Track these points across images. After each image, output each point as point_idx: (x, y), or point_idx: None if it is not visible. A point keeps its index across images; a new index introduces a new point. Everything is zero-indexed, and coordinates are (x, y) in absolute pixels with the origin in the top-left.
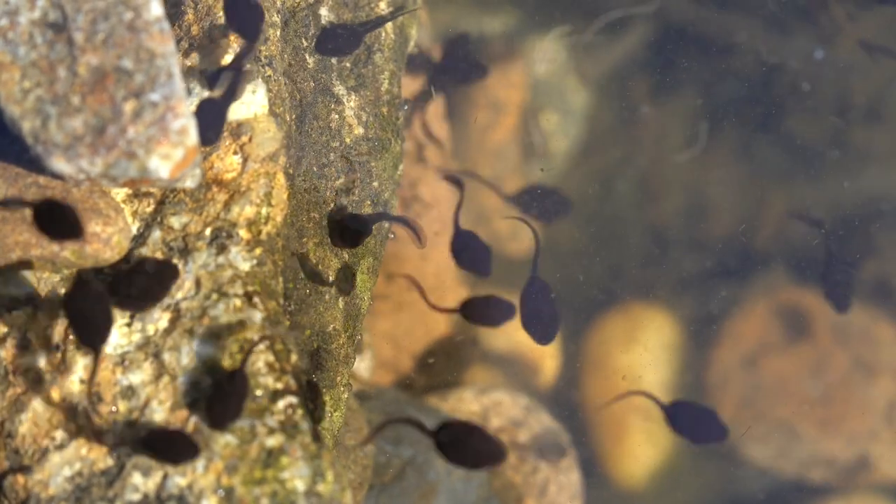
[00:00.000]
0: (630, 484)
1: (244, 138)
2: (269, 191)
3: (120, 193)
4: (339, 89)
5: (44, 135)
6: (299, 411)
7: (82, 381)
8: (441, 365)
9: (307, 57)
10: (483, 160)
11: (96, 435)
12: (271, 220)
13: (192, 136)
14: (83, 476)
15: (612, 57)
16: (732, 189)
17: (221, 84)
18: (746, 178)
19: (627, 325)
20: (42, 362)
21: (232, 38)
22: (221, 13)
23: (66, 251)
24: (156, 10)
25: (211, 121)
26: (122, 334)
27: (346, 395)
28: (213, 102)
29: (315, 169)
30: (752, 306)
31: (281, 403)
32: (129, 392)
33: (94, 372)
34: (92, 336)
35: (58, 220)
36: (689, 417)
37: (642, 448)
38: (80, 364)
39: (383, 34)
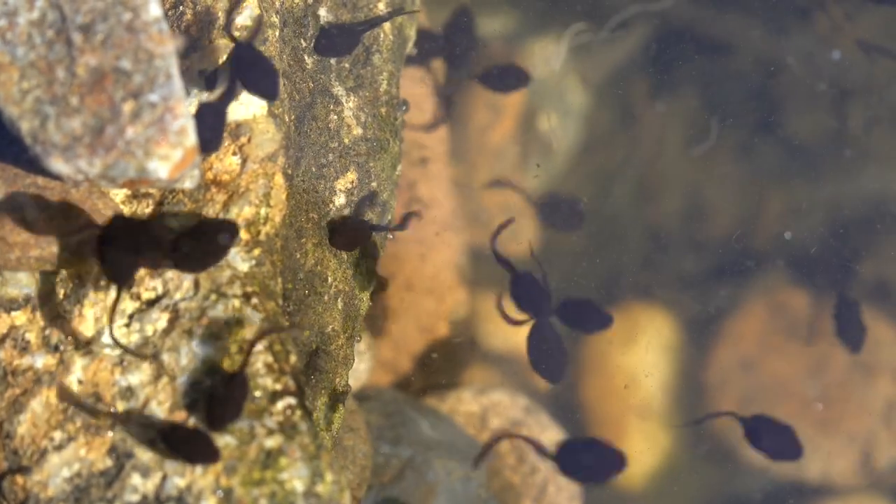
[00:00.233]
0: (629, 484)
1: (243, 139)
2: (268, 191)
3: (119, 194)
4: (338, 90)
5: (42, 135)
6: (298, 412)
7: (81, 382)
8: (440, 365)
9: (306, 58)
10: (482, 161)
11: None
12: (270, 221)
13: (191, 137)
14: (82, 477)
15: (612, 58)
16: (732, 189)
17: (218, 88)
18: (746, 178)
19: (627, 325)
20: (41, 363)
21: (231, 37)
22: (220, 14)
23: (65, 252)
24: (154, 10)
25: (211, 126)
26: (121, 335)
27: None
28: (211, 107)
29: (314, 169)
30: (751, 306)
31: (280, 404)
32: (128, 393)
33: (116, 302)
34: (118, 274)
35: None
36: (767, 433)
37: (641, 449)
38: (79, 364)
39: (382, 35)
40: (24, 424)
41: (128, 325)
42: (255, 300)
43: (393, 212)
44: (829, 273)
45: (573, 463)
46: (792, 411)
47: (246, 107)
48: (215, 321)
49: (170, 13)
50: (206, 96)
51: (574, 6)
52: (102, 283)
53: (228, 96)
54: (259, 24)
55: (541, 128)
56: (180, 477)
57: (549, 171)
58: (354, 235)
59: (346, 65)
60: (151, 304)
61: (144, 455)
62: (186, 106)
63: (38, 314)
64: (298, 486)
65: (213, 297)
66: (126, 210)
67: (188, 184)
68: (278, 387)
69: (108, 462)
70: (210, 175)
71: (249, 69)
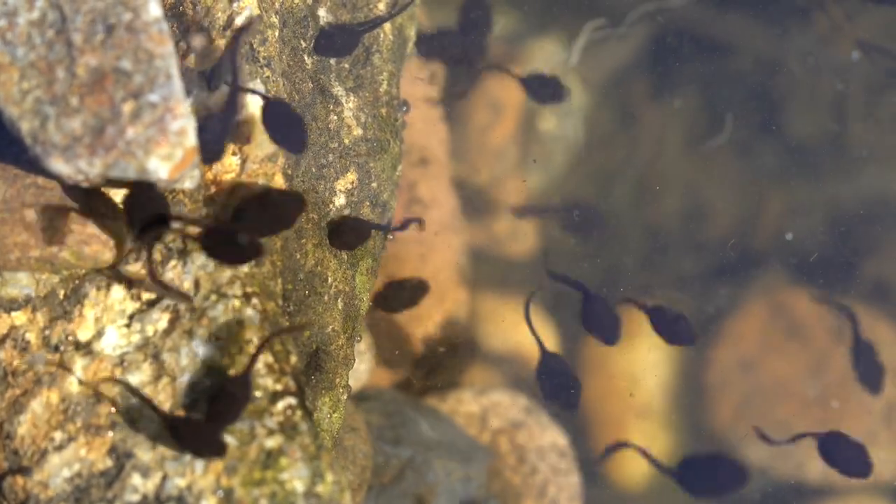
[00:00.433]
0: (629, 485)
1: (244, 134)
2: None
3: (119, 195)
4: (338, 90)
5: (42, 135)
6: (298, 412)
7: (81, 383)
8: (440, 366)
9: (305, 58)
10: (482, 161)
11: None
12: None
13: (191, 137)
14: (82, 477)
15: (612, 58)
16: (732, 190)
17: (221, 101)
18: (746, 178)
19: (626, 325)
20: (41, 363)
21: (230, 38)
22: (220, 14)
23: (65, 252)
24: (154, 10)
25: (214, 137)
26: (121, 335)
27: (345, 397)
28: (215, 119)
29: (314, 170)
30: (750, 307)
31: (280, 405)
32: (129, 392)
33: (150, 261)
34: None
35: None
36: (840, 449)
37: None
38: (79, 365)
39: (382, 35)
40: (25, 425)
41: (128, 326)
42: (255, 300)
43: (393, 212)
44: (829, 273)
45: (694, 478)
46: (792, 412)
47: (246, 107)
48: (215, 321)
49: (169, 13)
50: (205, 96)
51: (574, 7)
52: (102, 283)
53: (232, 109)
54: (250, 23)
55: (541, 128)
56: (181, 477)
57: (548, 171)
58: (354, 235)
59: (346, 65)
60: (152, 304)
61: (145, 455)
62: (187, 106)
63: (38, 314)
64: (299, 486)
65: (214, 297)
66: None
67: (188, 184)
68: (279, 387)
69: (109, 462)
70: (210, 175)
71: (279, 124)
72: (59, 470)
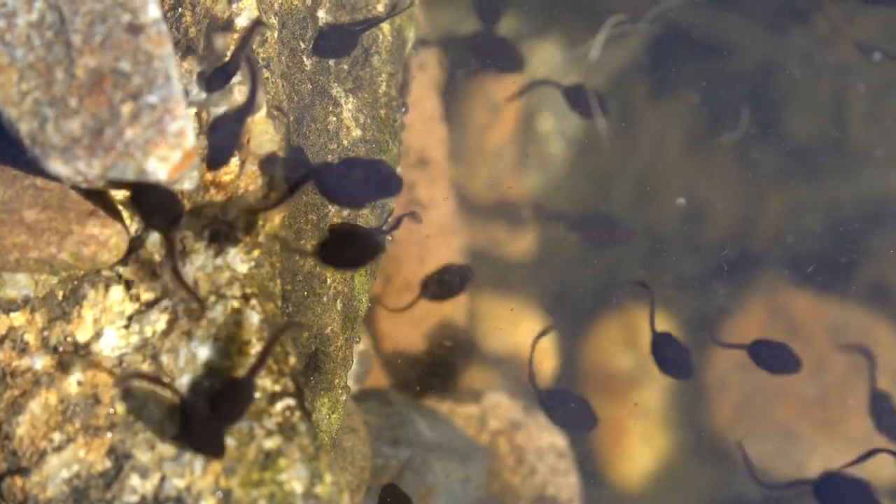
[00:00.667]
0: (628, 485)
1: (242, 140)
2: (268, 193)
3: (118, 195)
4: (337, 91)
5: (41, 137)
6: (297, 413)
7: (79, 384)
8: (439, 366)
9: (304, 59)
10: (481, 161)
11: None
12: (269, 222)
13: (190, 139)
14: (81, 478)
15: (612, 58)
16: (731, 190)
17: (235, 105)
18: (745, 179)
19: (625, 326)
20: (40, 364)
21: (230, 39)
22: (219, 15)
23: (64, 253)
24: (153, 12)
25: (223, 142)
26: (119, 336)
27: (344, 398)
28: (225, 121)
29: None
30: (750, 307)
31: (279, 405)
32: (128, 394)
33: (172, 250)
34: (162, 222)
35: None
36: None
37: (640, 450)
38: (78, 365)
39: (381, 36)
40: (23, 426)
41: (127, 327)
42: (254, 301)
43: (392, 213)
44: (828, 273)
45: (833, 496)
46: (791, 412)
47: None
48: (214, 322)
49: (168, 14)
50: (204, 97)
51: (574, 8)
52: (101, 284)
53: (244, 113)
54: (255, 27)
55: (540, 129)
56: (179, 478)
57: (547, 172)
58: (356, 253)
59: (345, 66)
60: (150, 305)
61: (143, 456)
62: (185, 107)
63: (36, 315)
64: (297, 487)
65: (213, 298)
66: (125, 212)
67: (187, 185)
68: (277, 388)
69: (107, 463)
70: (209, 176)
71: (338, 191)
72: (57, 471)
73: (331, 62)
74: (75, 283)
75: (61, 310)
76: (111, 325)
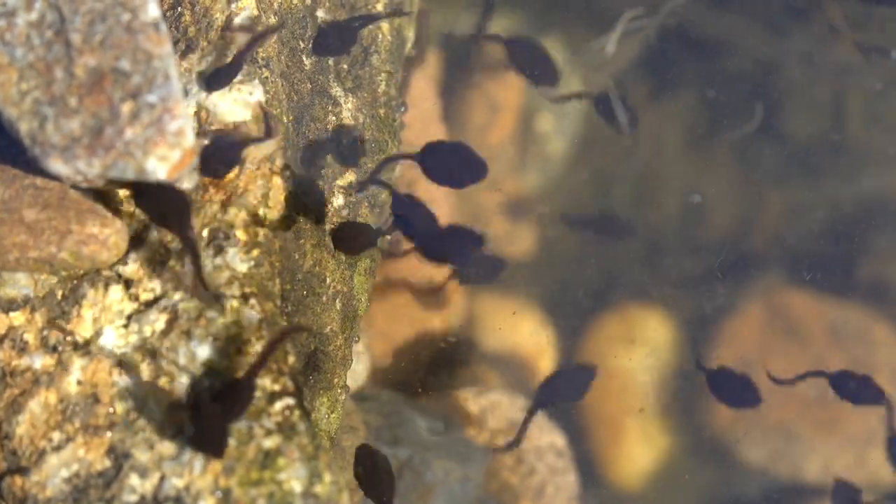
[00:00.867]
0: (627, 485)
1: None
2: (266, 192)
3: (117, 194)
4: (337, 91)
5: (41, 136)
6: (296, 413)
7: (79, 383)
8: (438, 366)
9: (304, 58)
10: None
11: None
12: (268, 222)
13: (189, 138)
14: (80, 477)
15: (611, 58)
16: (730, 190)
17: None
18: (744, 179)
19: (624, 326)
20: (39, 364)
21: (229, 38)
22: (218, 14)
23: (64, 253)
24: (153, 11)
25: (230, 146)
26: (119, 335)
27: (343, 397)
28: (227, 140)
29: (312, 170)
30: (749, 307)
31: (278, 405)
32: (127, 393)
33: (192, 244)
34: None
35: None
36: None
37: (639, 450)
38: (78, 365)
39: (380, 36)
40: (23, 425)
41: (126, 326)
42: (253, 301)
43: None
44: (827, 273)
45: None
46: (791, 412)
47: (244, 108)
48: (213, 322)
49: (168, 14)
50: (204, 97)
51: (573, 8)
52: (100, 283)
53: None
54: (268, 30)
55: (539, 129)
56: (178, 477)
57: (547, 171)
58: (355, 240)
59: (345, 66)
60: (150, 304)
61: (143, 456)
62: (185, 107)
63: (36, 315)
64: (297, 486)
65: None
66: (124, 210)
67: (186, 184)
68: (277, 387)
69: (107, 462)
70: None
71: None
72: (57, 470)
73: (330, 61)
74: (75, 282)
75: (61, 309)
76: (110, 324)
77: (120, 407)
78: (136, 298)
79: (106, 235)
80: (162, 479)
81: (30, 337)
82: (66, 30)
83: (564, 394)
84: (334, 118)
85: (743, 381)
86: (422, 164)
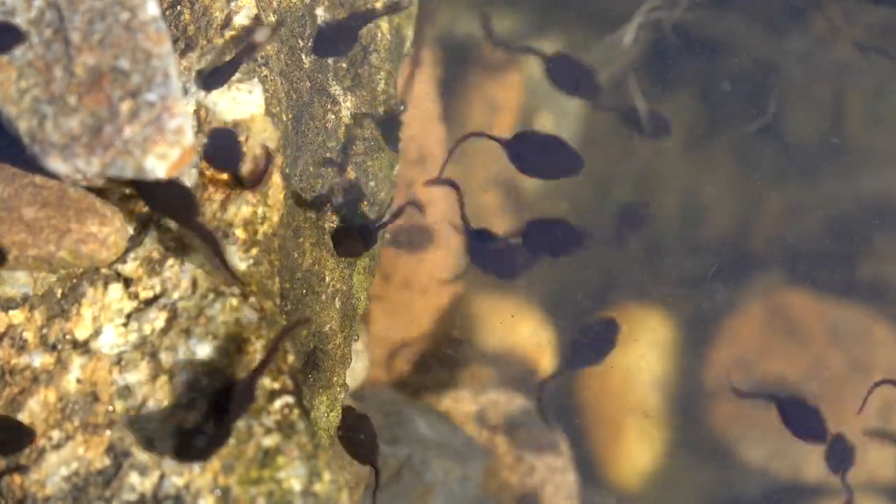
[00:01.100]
0: (626, 484)
1: (241, 138)
2: (266, 191)
3: (116, 193)
4: (336, 89)
5: (40, 135)
6: (296, 411)
7: (79, 381)
8: (437, 364)
9: (303, 57)
10: (480, 160)
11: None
12: (268, 220)
13: (189, 136)
14: (80, 476)
15: (610, 58)
16: (730, 190)
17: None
18: (744, 178)
19: (624, 325)
20: (38, 362)
21: (228, 37)
22: (218, 13)
23: (63, 251)
24: (152, 10)
25: (226, 147)
26: (118, 334)
27: (342, 396)
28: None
29: (311, 169)
30: (749, 307)
31: (277, 403)
32: (126, 392)
33: (209, 234)
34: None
35: None
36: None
37: (638, 449)
38: (77, 364)
39: (379, 35)
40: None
41: (125, 325)
42: (252, 299)
43: (390, 211)
44: (827, 273)
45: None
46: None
47: (244, 106)
48: (213, 320)
49: (167, 13)
50: (203, 95)
51: (572, 8)
52: (100, 282)
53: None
54: (257, 23)
55: (538, 128)
56: (178, 476)
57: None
58: (355, 241)
59: (344, 64)
60: (149, 303)
61: (142, 454)
62: (184, 105)
63: (35, 313)
64: (296, 485)
65: (211, 296)
66: (123, 209)
67: (186, 182)
68: (276, 386)
69: (106, 461)
70: (208, 174)
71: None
72: (56, 468)
73: (329, 60)
74: (74, 280)
75: (60, 307)
76: (110, 322)
77: (119, 405)
78: (136, 297)
79: (105, 234)
80: (162, 477)
81: (29, 335)
82: (66, 28)
83: (591, 354)
84: (333, 116)
85: (813, 413)
86: (509, 151)
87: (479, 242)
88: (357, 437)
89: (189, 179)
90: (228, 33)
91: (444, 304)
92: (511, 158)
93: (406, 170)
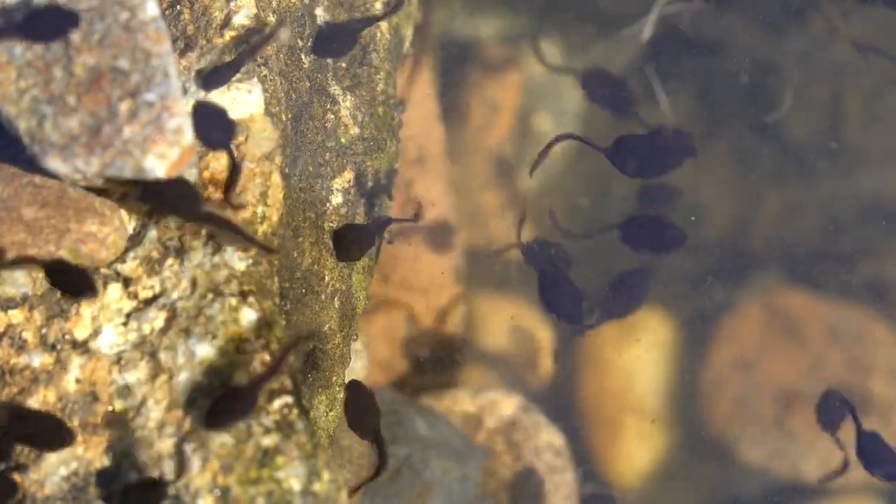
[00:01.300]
0: (626, 484)
1: (240, 138)
2: (265, 190)
3: (116, 192)
4: (335, 89)
5: (40, 134)
6: (295, 411)
7: (78, 381)
8: (436, 365)
9: (303, 57)
10: (479, 160)
11: None
12: (267, 220)
13: (188, 136)
14: (79, 476)
15: (610, 58)
16: (729, 190)
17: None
18: (743, 179)
19: (623, 325)
20: (38, 362)
21: (227, 37)
22: (217, 13)
23: (62, 251)
24: (152, 10)
25: (216, 123)
26: (118, 333)
27: (341, 395)
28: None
29: (311, 168)
30: (748, 307)
31: (277, 403)
32: (126, 391)
33: (219, 218)
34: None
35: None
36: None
37: (637, 448)
38: (76, 363)
39: (379, 35)
40: None
41: (125, 324)
42: (251, 299)
43: (390, 211)
44: (826, 273)
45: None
46: (788, 412)
47: (243, 106)
48: (212, 320)
49: (167, 12)
50: (202, 95)
51: (571, 8)
52: (99, 282)
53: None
54: (272, 33)
55: (537, 129)
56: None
57: (545, 171)
58: (357, 245)
59: (343, 64)
60: (149, 302)
61: (142, 454)
62: (183, 105)
63: (35, 313)
64: (295, 484)
65: (210, 296)
66: (123, 209)
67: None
68: (275, 385)
69: (106, 461)
70: (207, 174)
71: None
72: (55, 468)
73: (329, 60)
74: None
75: (59, 307)
76: (109, 322)
77: (119, 405)
78: (135, 297)
79: (104, 234)
80: (161, 477)
81: (28, 335)
82: None
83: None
84: (333, 116)
85: (889, 451)
86: (611, 159)
87: (535, 255)
88: (363, 415)
89: (189, 179)
90: (228, 33)
91: (444, 304)
92: (614, 164)
93: (405, 169)
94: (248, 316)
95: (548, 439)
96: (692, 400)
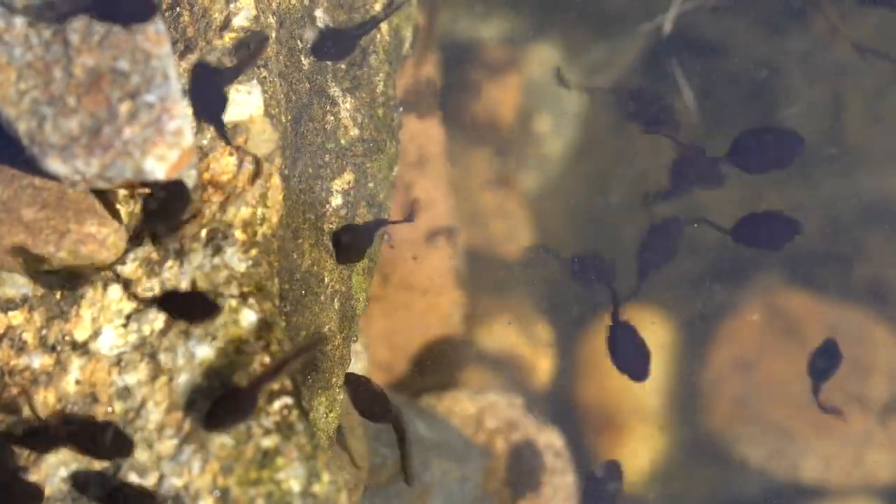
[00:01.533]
0: (625, 485)
1: (240, 139)
2: (265, 192)
3: (116, 194)
4: (335, 91)
5: (39, 136)
6: (295, 412)
7: (78, 382)
8: (436, 366)
9: (302, 58)
10: (479, 162)
11: None
12: (267, 222)
13: (188, 137)
14: (79, 476)
15: (609, 59)
16: (729, 190)
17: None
18: (743, 178)
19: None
20: (38, 363)
21: (227, 39)
22: (217, 14)
23: (62, 252)
24: None
25: (210, 93)
26: (118, 335)
27: (341, 396)
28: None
29: (310, 170)
30: (748, 307)
31: (277, 404)
32: (126, 393)
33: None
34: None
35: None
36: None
37: (637, 449)
38: (76, 364)
39: (378, 36)
40: None
41: (125, 326)
42: (251, 300)
43: (390, 213)
44: (826, 273)
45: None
46: (788, 412)
47: (243, 107)
48: (212, 321)
49: (166, 14)
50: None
51: (571, 9)
52: (99, 283)
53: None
54: (258, 25)
55: (537, 130)
56: (177, 477)
57: (545, 172)
58: (355, 248)
59: (343, 66)
60: (149, 304)
61: (142, 455)
62: (184, 106)
63: (35, 314)
64: (295, 486)
65: (210, 297)
66: (123, 210)
67: (186, 183)
68: (275, 386)
69: (106, 462)
70: (207, 175)
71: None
72: (55, 469)
73: (328, 62)
74: (74, 281)
75: (59, 309)
76: (109, 323)
77: (118, 406)
78: (135, 298)
79: (104, 235)
80: (161, 478)
81: (28, 336)
82: (65, 29)
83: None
84: (332, 118)
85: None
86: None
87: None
88: (369, 401)
89: (188, 181)
90: (227, 35)
91: (444, 304)
92: (735, 165)
93: (405, 171)
94: (249, 317)
95: (548, 440)
96: (692, 400)
